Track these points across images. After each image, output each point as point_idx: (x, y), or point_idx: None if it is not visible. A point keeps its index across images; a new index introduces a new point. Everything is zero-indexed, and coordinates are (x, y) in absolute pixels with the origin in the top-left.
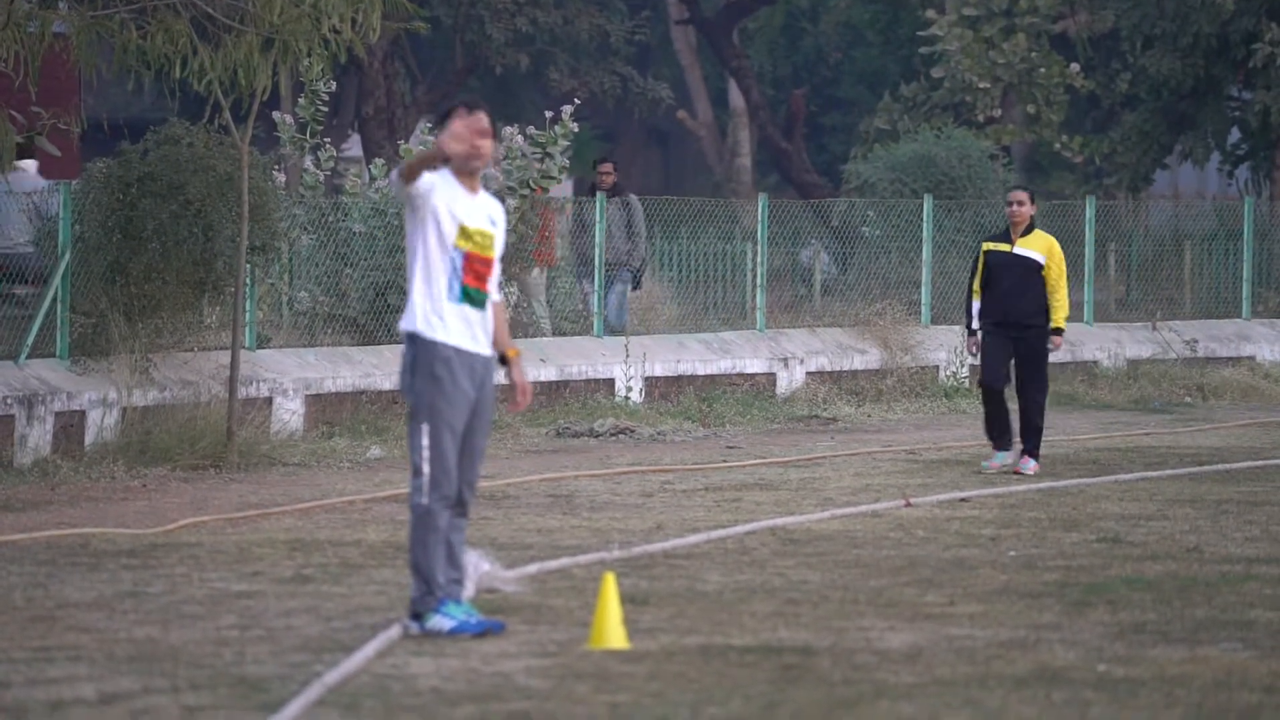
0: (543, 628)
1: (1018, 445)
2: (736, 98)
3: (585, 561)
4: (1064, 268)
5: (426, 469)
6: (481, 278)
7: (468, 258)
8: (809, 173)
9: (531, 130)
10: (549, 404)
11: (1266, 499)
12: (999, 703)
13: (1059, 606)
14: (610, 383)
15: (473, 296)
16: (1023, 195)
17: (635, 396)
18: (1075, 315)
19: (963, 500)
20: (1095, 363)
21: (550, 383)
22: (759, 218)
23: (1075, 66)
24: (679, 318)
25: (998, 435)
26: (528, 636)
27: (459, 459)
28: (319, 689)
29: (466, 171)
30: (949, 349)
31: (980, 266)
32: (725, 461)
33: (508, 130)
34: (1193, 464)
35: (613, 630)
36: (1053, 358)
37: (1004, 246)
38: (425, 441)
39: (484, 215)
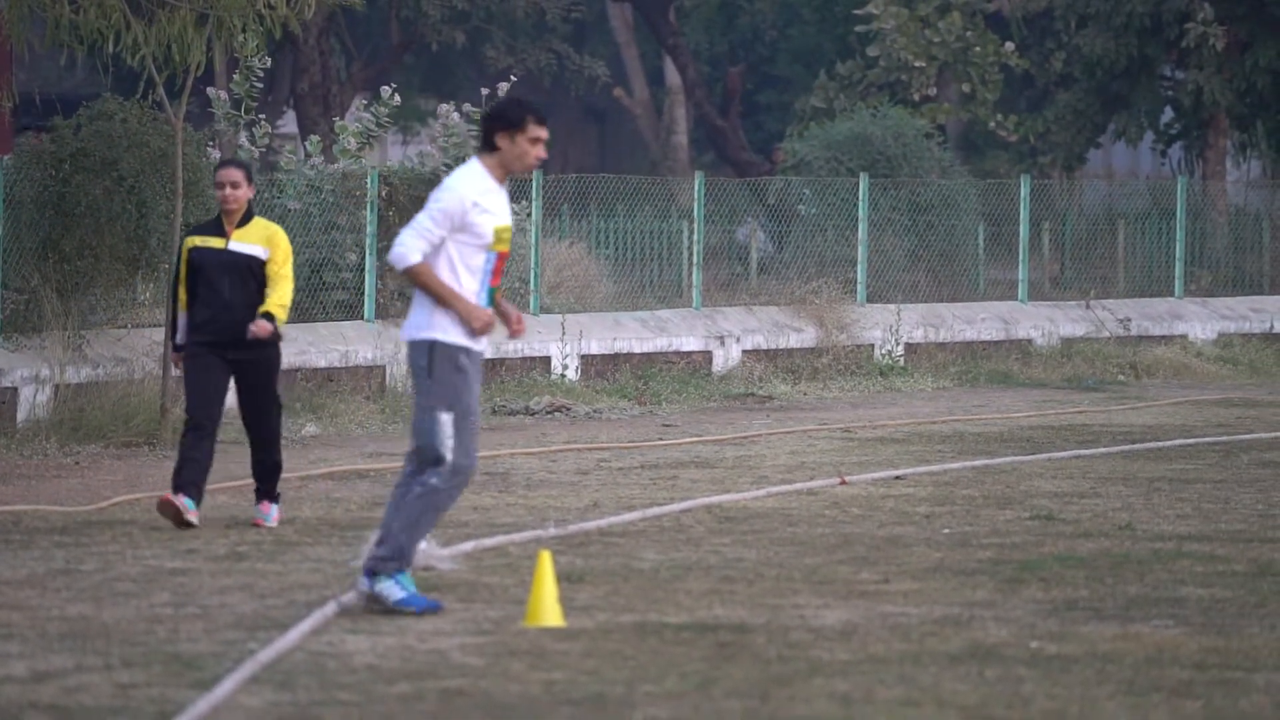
0: (478, 605)
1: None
2: (673, 75)
3: (521, 539)
4: (290, 258)
5: (450, 457)
6: (501, 273)
7: (498, 258)
8: (745, 150)
9: (467, 107)
10: (485, 381)
11: (1198, 477)
12: (932, 679)
13: (992, 584)
14: (546, 360)
15: (492, 294)
16: (237, 174)
17: (571, 374)
18: (1009, 294)
19: (897, 478)
20: (1029, 341)
21: (487, 360)
22: (695, 196)
23: (1010, 45)
24: (615, 295)
25: (188, 481)
26: (463, 614)
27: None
28: (253, 666)
29: (512, 173)
30: (884, 327)
31: (184, 267)
32: (661, 439)
33: (443, 107)
34: (1126, 442)
35: (548, 608)
36: (986, 335)
37: (216, 241)
38: (449, 430)
39: (506, 208)
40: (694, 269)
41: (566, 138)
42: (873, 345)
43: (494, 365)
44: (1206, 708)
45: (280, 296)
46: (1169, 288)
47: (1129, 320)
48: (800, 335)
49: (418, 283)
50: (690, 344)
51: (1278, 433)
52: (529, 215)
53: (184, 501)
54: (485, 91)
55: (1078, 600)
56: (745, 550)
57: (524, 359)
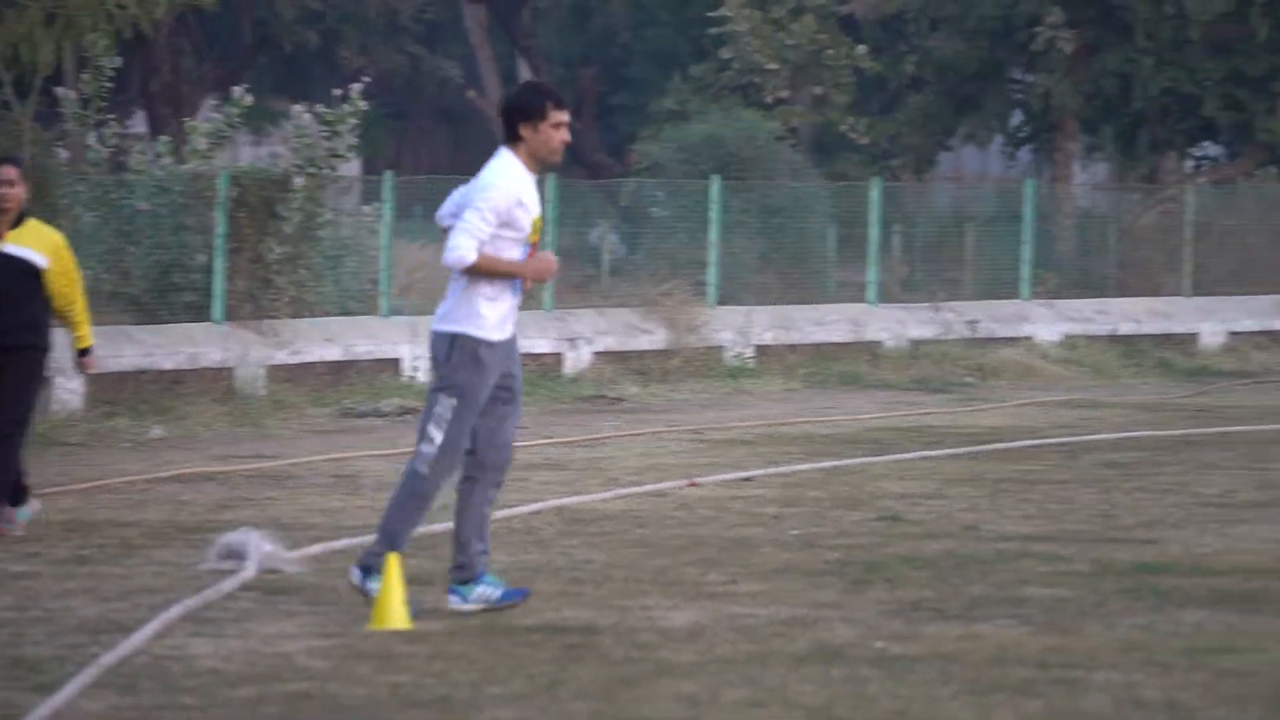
0: (324, 608)
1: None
2: (527, 76)
3: (369, 542)
4: (76, 271)
5: (439, 439)
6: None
7: (531, 248)
8: (598, 152)
9: (320, 108)
10: (334, 384)
11: (1042, 478)
12: (778, 680)
13: (839, 585)
14: (396, 363)
15: (520, 283)
16: (11, 172)
17: (422, 376)
18: (859, 296)
19: (746, 480)
20: (878, 343)
21: (336, 362)
22: (548, 197)
23: (862, 48)
24: None
25: None
26: (309, 617)
27: (499, 429)
28: (96, 670)
29: (543, 162)
30: (735, 329)
31: None
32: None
33: (296, 108)
34: (971, 443)
35: (395, 611)
36: (836, 337)
37: None
38: (449, 415)
39: (538, 197)
40: None
41: (419, 139)
42: (723, 347)
43: (343, 367)
44: (1047, 706)
45: (85, 321)
46: (1016, 290)
47: (976, 322)
48: (651, 337)
49: (483, 273)
50: (541, 346)
51: (1121, 434)
52: (380, 217)
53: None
54: (338, 92)
55: (922, 600)
56: (594, 552)
57: (374, 361)
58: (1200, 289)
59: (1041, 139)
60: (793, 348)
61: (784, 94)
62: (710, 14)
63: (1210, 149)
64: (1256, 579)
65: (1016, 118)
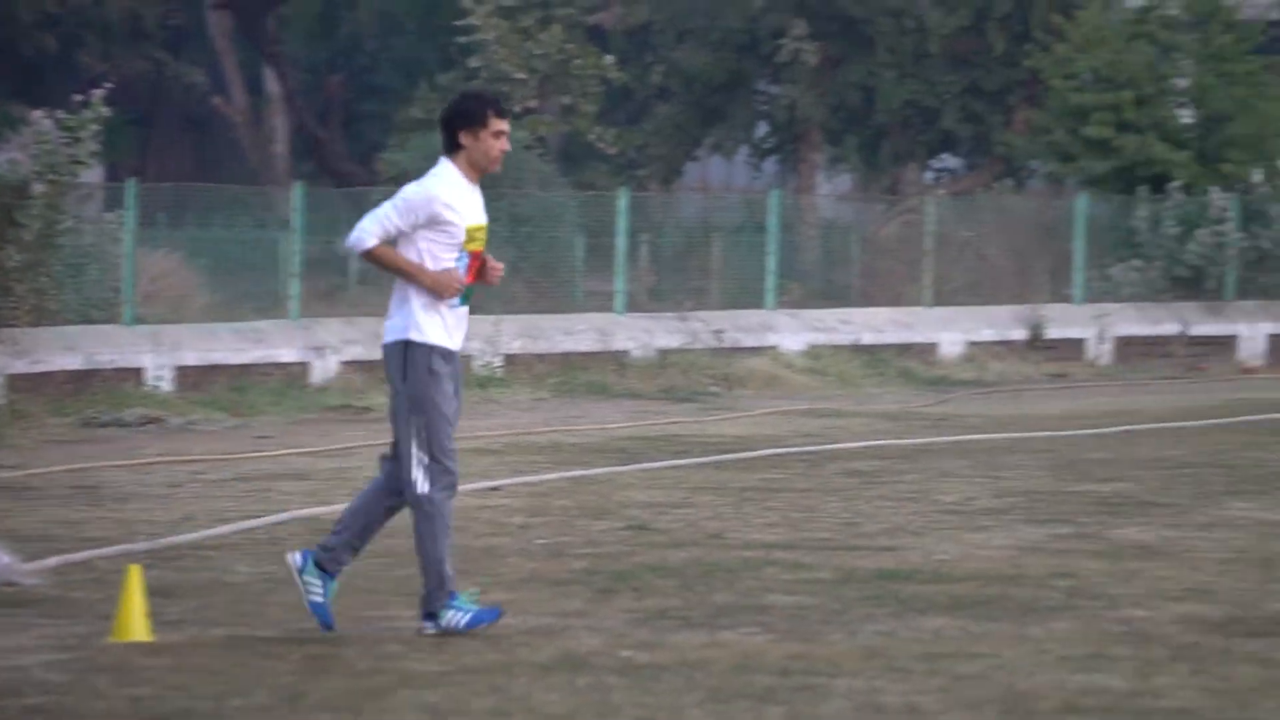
0: (63, 621)
1: None
2: (273, 84)
3: (110, 554)
4: None
5: (427, 459)
6: (476, 270)
7: (472, 257)
8: (346, 161)
9: (61, 114)
10: (76, 393)
11: (786, 486)
12: (524, 689)
13: (585, 594)
14: (139, 372)
15: (467, 295)
16: None
17: (165, 385)
18: (607, 305)
19: (494, 489)
20: (626, 352)
21: (77, 372)
22: (295, 206)
23: (610, 58)
24: (212, 306)
25: None
26: (47, 630)
27: None
28: None
29: (484, 170)
30: (483, 338)
31: None
32: (256, 451)
33: (35, 114)
34: (717, 452)
35: (136, 623)
36: (584, 346)
37: None
38: (424, 435)
39: (480, 207)
40: (292, 280)
41: (165, 146)
42: (471, 356)
43: (85, 376)
44: (790, 713)
45: None
46: (761, 300)
47: (723, 332)
48: None
49: (380, 264)
50: (288, 355)
51: (863, 442)
52: (123, 224)
53: None
54: (78, 98)
55: (668, 609)
56: None
57: (116, 370)
58: (940, 299)
59: (786, 150)
60: (541, 357)
61: (532, 103)
62: (458, 23)
63: (950, 161)
64: (993, 585)
65: (762, 129)
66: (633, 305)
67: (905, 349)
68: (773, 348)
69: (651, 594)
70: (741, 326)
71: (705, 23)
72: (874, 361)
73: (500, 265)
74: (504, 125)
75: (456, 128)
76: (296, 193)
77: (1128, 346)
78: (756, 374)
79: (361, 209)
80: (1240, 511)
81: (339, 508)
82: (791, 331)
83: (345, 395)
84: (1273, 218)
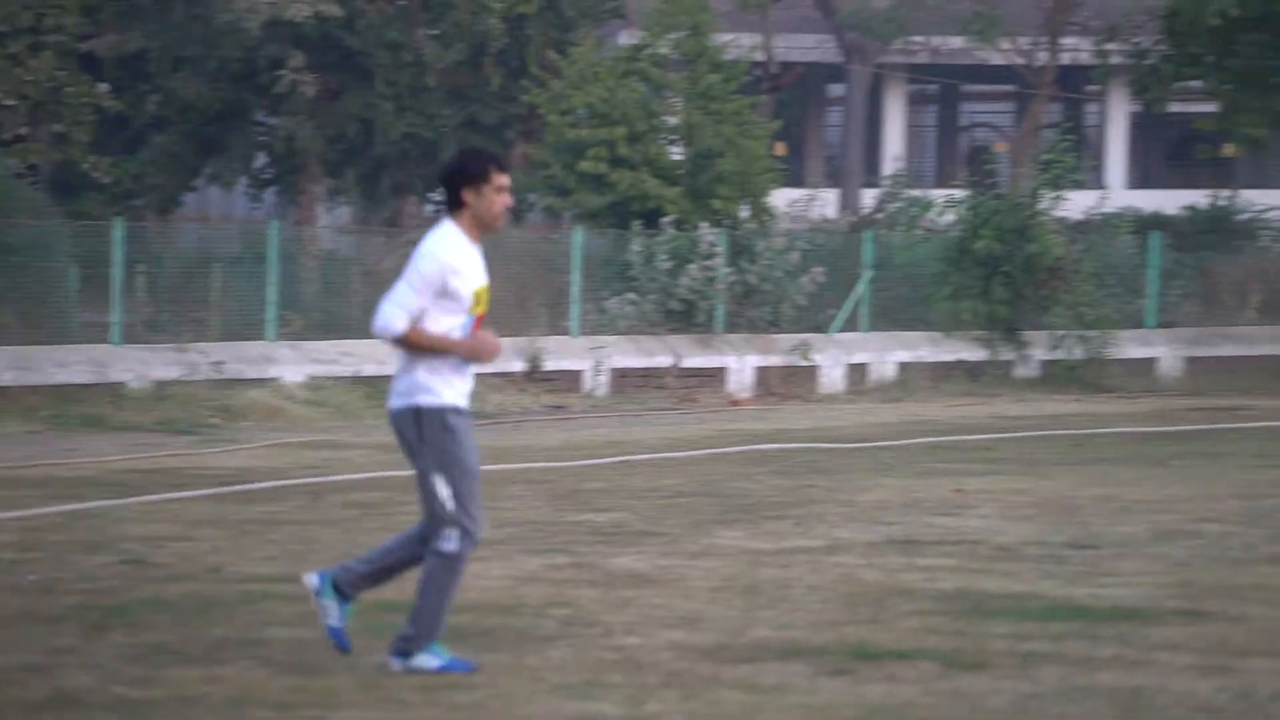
0: None
1: None
2: None
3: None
4: None
5: (458, 517)
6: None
7: (475, 321)
8: None
9: None
10: None
11: (286, 518)
12: None
13: (78, 630)
14: None
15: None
16: None
17: None
18: (103, 336)
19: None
20: (122, 384)
21: None
22: None
23: (104, 86)
24: None
25: None
26: None
27: None
28: None
29: (487, 228)
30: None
31: None
32: None
33: None
34: (217, 485)
35: None
36: (79, 378)
37: None
38: (448, 492)
39: (482, 267)
40: None
41: None
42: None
43: None
44: None
45: None
46: (262, 331)
47: (223, 363)
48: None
49: (413, 347)
50: None
51: (363, 474)
52: None
53: None
54: None
55: (164, 644)
56: None
57: None
58: None
59: (286, 181)
60: (34, 389)
61: (23, 131)
62: None
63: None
64: (492, 615)
65: (261, 159)
66: (130, 336)
67: None
68: (274, 379)
69: (147, 629)
70: (242, 358)
71: (202, 51)
72: (374, 393)
73: (495, 341)
74: (506, 180)
75: (460, 185)
76: None
77: (624, 378)
78: (257, 406)
79: None
80: (728, 540)
81: None
82: (292, 363)
83: None
84: (758, 253)
